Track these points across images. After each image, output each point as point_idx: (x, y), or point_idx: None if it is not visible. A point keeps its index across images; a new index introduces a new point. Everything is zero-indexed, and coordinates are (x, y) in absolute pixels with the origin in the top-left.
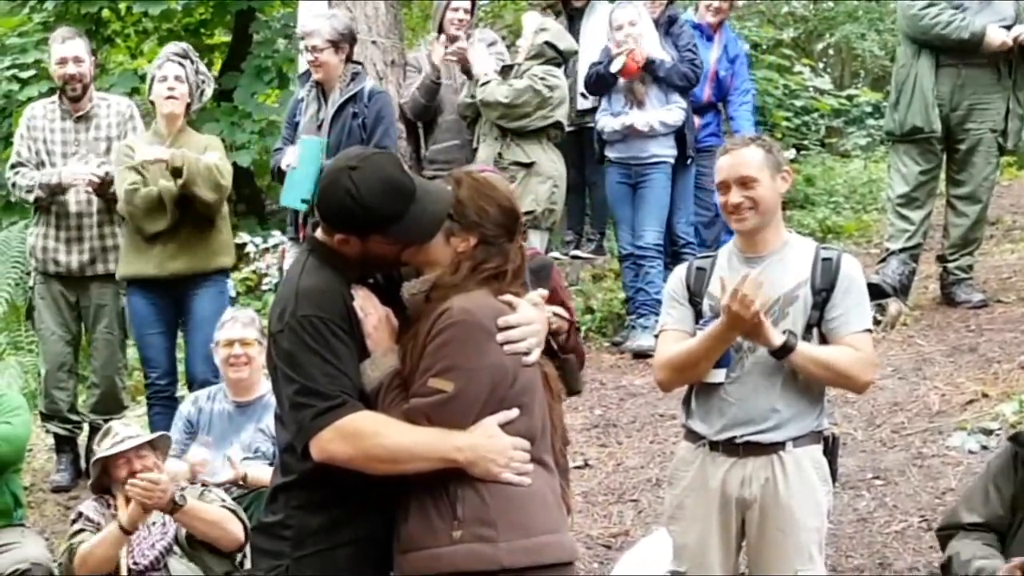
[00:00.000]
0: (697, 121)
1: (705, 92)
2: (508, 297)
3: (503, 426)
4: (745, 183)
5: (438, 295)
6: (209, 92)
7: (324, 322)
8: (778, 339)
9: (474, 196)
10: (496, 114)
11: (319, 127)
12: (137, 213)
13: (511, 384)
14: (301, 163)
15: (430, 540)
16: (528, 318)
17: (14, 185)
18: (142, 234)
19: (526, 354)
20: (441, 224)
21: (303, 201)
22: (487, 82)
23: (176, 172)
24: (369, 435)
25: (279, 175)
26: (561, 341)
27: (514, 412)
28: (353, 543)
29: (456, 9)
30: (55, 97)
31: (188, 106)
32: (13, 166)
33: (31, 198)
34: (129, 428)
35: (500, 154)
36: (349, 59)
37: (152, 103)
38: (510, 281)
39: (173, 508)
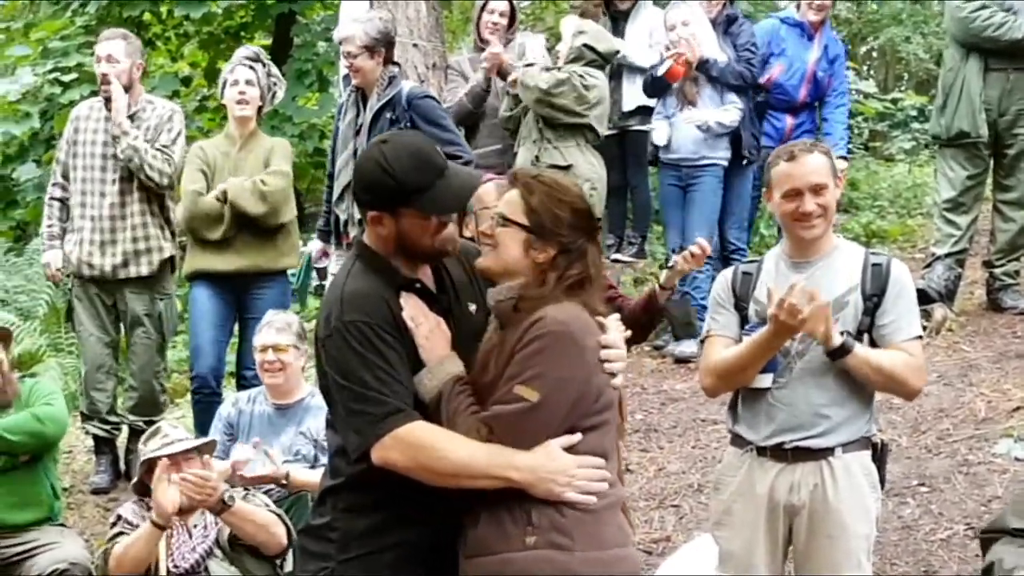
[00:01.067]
0: (791, 121)
1: (801, 92)
2: (600, 319)
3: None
4: (818, 191)
5: (527, 306)
6: (281, 94)
7: (370, 327)
8: (838, 339)
9: (546, 202)
10: (533, 97)
11: (357, 132)
12: (197, 218)
13: (595, 400)
14: None
15: (502, 545)
16: (617, 341)
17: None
18: (197, 239)
19: (613, 375)
20: (468, 198)
21: None
22: (530, 64)
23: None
24: (427, 447)
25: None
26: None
27: (577, 437)
28: (398, 546)
29: (492, 12)
30: (101, 96)
31: (260, 109)
32: (52, 184)
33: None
34: (177, 430)
35: (537, 157)
36: (388, 62)
37: (225, 106)
38: (594, 288)
39: (222, 508)
